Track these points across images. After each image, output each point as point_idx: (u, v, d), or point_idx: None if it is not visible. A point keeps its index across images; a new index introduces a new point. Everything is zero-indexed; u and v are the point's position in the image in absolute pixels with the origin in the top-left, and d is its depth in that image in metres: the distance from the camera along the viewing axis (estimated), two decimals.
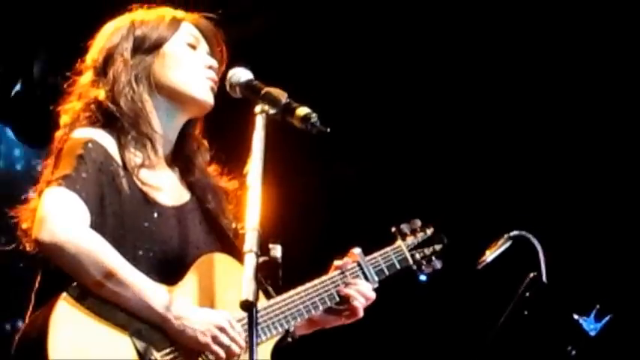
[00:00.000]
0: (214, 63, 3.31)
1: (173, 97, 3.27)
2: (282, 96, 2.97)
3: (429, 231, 3.63)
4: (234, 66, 3.18)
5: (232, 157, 3.22)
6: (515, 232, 4.04)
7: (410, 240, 3.57)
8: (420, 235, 3.61)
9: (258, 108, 2.93)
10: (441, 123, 5.88)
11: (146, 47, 3.26)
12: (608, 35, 5.35)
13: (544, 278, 3.86)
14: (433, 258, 3.59)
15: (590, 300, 3.80)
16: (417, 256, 3.57)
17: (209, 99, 3.26)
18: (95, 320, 2.99)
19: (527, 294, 3.77)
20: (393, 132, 6.14)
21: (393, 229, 3.59)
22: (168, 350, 3.02)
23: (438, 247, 3.62)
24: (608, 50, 5.40)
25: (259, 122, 2.92)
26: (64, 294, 2.98)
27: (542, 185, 5.74)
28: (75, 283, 3.00)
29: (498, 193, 5.82)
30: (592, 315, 3.75)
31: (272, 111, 2.94)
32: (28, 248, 3.14)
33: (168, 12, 3.32)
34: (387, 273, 3.48)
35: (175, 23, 3.30)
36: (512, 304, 3.76)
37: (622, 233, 5.46)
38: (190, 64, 3.28)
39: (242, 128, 3.00)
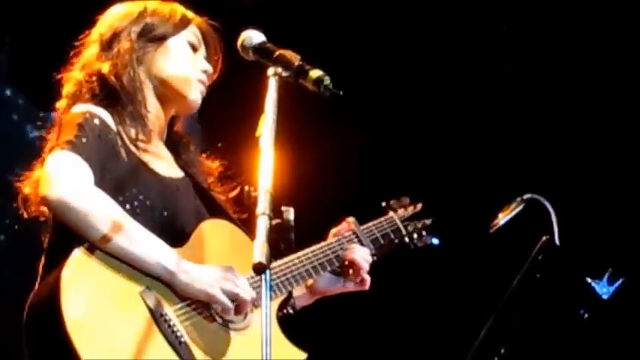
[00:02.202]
0: (210, 69, 3.41)
1: (165, 88, 3.36)
2: (295, 58, 2.97)
3: (419, 206, 3.72)
4: (247, 28, 3.14)
5: (245, 120, 3.16)
6: (527, 195, 4.07)
7: (401, 212, 3.67)
8: (410, 209, 3.70)
9: (270, 70, 2.93)
10: (454, 87, 5.87)
11: (152, 36, 3.34)
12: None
13: (557, 241, 3.85)
14: (424, 232, 3.68)
15: (603, 263, 3.81)
16: (409, 227, 3.66)
17: (197, 100, 3.37)
18: (105, 277, 3.04)
19: (540, 257, 3.77)
20: (406, 99, 6.16)
21: (384, 204, 3.68)
22: (179, 305, 3.07)
23: (427, 221, 3.71)
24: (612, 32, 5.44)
25: (272, 85, 2.91)
26: (74, 252, 3.01)
27: (555, 148, 5.74)
28: (85, 244, 3.03)
29: (511, 156, 5.84)
30: (605, 278, 3.76)
31: (285, 74, 2.94)
32: (26, 215, 3.22)
33: (179, 9, 3.42)
34: (381, 242, 3.58)
35: (184, 22, 3.40)
36: (524, 267, 3.76)
37: (635, 196, 5.45)
38: (188, 63, 3.38)
39: (255, 91, 2.99)
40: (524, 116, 5.87)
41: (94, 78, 3.28)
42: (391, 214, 3.67)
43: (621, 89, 5.54)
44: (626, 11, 5.45)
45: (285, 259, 3.35)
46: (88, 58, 3.34)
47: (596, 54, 5.64)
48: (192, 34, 3.41)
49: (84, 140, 3.09)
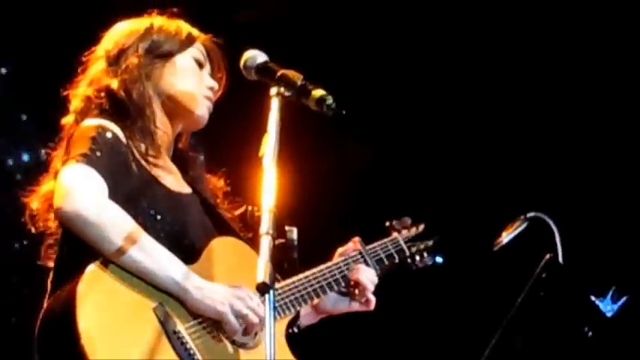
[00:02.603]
0: (215, 85, 3.45)
1: (173, 104, 3.39)
2: (298, 78, 2.99)
3: (421, 227, 3.76)
4: (249, 48, 3.17)
5: (248, 140, 3.18)
6: (531, 214, 4.08)
7: (405, 233, 3.71)
8: (413, 230, 3.74)
9: (273, 90, 2.95)
10: (457, 104, 5.87)
11: (159, 52, 3.38)
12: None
13: (560, 259, 3.85)
14: (425, 253, 3.72)
15: (606, 281, 3.81)
16: (413, 249, 3.69)
17: (204, 116, 3.40)
18: (120, 292, 3.06)
19: (544, 275, 3.77)
20: (407, 113, 6.15)
21: (387, 224, 3.72)
22: (191, 323, 3.09)
23: (429, 242, 3.74)
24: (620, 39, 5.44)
25: (274, 104, 2.92)
26: (89, 266, 3.03)
27: (559, 166, 5.73)
28: (99, 258, 3.06)
29: (514, 174, 5.84)
30: (609, 296, 3.76)
31: (287, 93, 2.96)
32: (34, 230, 3.25)
33: (185, 26, 3.47)
34: (385, 263, 3.61)
35: (190, 39, 3.45)
36: (528, 284, 3.77)
37: (638, 215, 5.46)
38: (195, 79, 3.42)
39: (257, 111, 3.00)
40: (527, 135, 5.88)
41: (102, 94, 3.30)
42: (395, 234, 3.69)
43: (625, 109, 5.56)
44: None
45: (294, 279, 3.38)
46: (95, 74, 3.36)
47: (603, 73, 5.66)
48: (198, 51, 3.44)
49: (98, 154, 3.10)
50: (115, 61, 3.36)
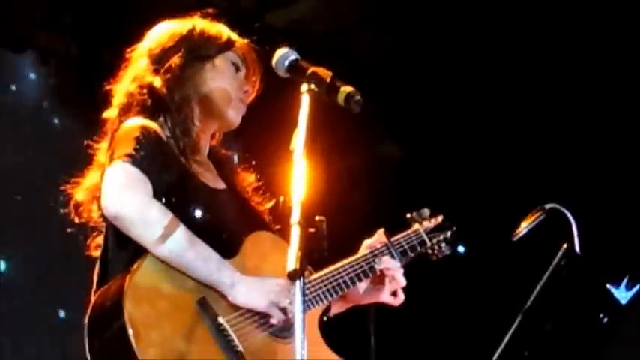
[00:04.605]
0: (249, 89, 3.55)
1: (209, 104, 3.49)
2: (327, 75, 3.02)
3: (439, 219, 3.77)
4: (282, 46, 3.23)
5: (279, 134, 3.25)
6: (549, 205, 4.08)
7: (425, 224, 3.73)
8: (433, 221, 3.75)
9: (304, 87, 2.99)
10: (479, 102, 5.90)
11: (200, 54, 3.46)
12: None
13: (577, 249, 3.87)
14: (444, 244, 3.75)
15: (620, 270, 3.77)
16: (434, 240, 3.72)
17: (237, 119, 3.49)
18: (165, 287, 3.15)
19: (562, 263, 3.71)
20: (434, 113, 6.17)
21: (408, 216, 3.76)
22: (233, 315, 3.17)
23: (449, 233, 3.76)
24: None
25: (305, 100, 2.96)
26: (137, 262, 3.13)
27: (575, 159, 5.75)
28: (145, 253, 3.15)
29: (533, 167, 5.84)
30: (623, 284, 3.74)
31: (317, 89, 2.99)
32: (78, 220, 3.36)
33: (225, 31, 3.54)
34: (409, 254, 3.65)
35: (229, 43, 3.52)
36: (547, 273, 3.72)
37: None
38: (231, 82, 3.52)
39: (288, 106, 3.06)
40: (545, 128, 5.91)
41: (145, 90, 3.38)
42: (417, 226, 3.73)
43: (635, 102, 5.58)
44: None
45: (325, 271, 3.45)
46: (139, 71, 3.45)
47: (618, 67, 5.66)
48: (235, 55, 3.52)
49: (142, 154, 3.18)
50: (157, 60, 3.44)
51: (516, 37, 5.78)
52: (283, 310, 3.21)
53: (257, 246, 3.40)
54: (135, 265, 3.14)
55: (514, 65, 5.80)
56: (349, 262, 3.52)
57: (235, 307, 3.22)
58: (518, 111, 5.92)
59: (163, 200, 3.24)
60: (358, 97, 3.02)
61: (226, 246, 3.30)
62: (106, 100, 3.49)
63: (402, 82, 6.03)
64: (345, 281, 3.47)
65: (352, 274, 3.50)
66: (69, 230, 3.56)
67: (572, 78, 5.78)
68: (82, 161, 3.47)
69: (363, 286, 3.55)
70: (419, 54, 6.00)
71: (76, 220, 3.38)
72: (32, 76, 6.32)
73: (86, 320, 3.21)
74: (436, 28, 5.91)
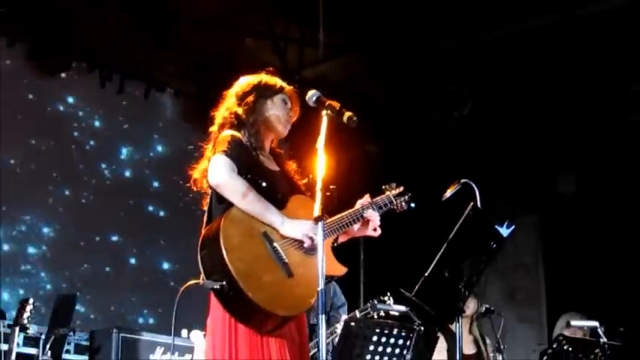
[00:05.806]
0: (293, 114, 4.47)
1: (269, 124, 4.43)
2: (337, 105, 4.05)
3: (401, 188, 4.65)
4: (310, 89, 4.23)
5: (309, 140, 4.09)
6: (463, 180, 4.79)
7: (393, 192, 4.62)
8: (397, 190, 4.65)
9: (323, 112, 4.03)
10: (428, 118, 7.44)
11: (264, 95, 4.46)
12: None
13: (479, 206, 4.57)
14: (403, 202, 4.61)
15: (504, 217, 4.63)
16: (397, 200, 4.64)
17: (285, 132, 4.45)
18: (243, 225, 4.07)
19: (470, 214, 4.51)
20: (405, 127, 7.89)
21: (383, 187, 4.61)
22: (283, 241, 4.15)
23: (406, 196, 4.65)
24: None
25: (324, 120, 4.00)
26: (227, 212, 4.05)
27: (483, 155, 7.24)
28: (232, 207, 4.02)
29: (456, 160, 7.46)
30: (505, 225, 4.55)
31: (331, 114, 4.02)
32: (195, 189, 4.32)
33: (279, 81, 4.51)
34: (383, 208, 4.54)
35: (281, 88, 4.51)
36: (461, 219, 4.51)
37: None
38: (282, 111, 4.45)
39: (316, 123, 4.05)
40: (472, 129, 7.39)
41: (233, 116, 4.40)
42: (388, 193, 4.64)
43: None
44: None
45: (335, 217, 4.32)
46: (230, 104, 4.44)
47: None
48: (285, 95, 4.52)
49: (231, 150, 4.19)
50: (240, 98, 4.45)
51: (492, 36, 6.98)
52: (311, 239, 4.13)
53: (296, 202, 4.29)
54: (227, 213, 4.07)
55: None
56: (348, 213, 4.42)
57: (283, 237, 4.12)
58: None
59: (243, 176, 4.15)
60: (355, 118, 4.05)
61: (279, 202, 4.21)
62: (211, 121, 4.50)
63: (387, 110, 7.23)
64: (346, 223, 4.38)
65: (351, 219, 4.41)
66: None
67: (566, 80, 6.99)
68: (198, 155, 4.49)
69: (356, 226, 4.46)
70: (401, 93, 7.12)
71: (194, 189, 4.32)
72: (168, 104, 8.28)
73: (199, 242, 4.05)
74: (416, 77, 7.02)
